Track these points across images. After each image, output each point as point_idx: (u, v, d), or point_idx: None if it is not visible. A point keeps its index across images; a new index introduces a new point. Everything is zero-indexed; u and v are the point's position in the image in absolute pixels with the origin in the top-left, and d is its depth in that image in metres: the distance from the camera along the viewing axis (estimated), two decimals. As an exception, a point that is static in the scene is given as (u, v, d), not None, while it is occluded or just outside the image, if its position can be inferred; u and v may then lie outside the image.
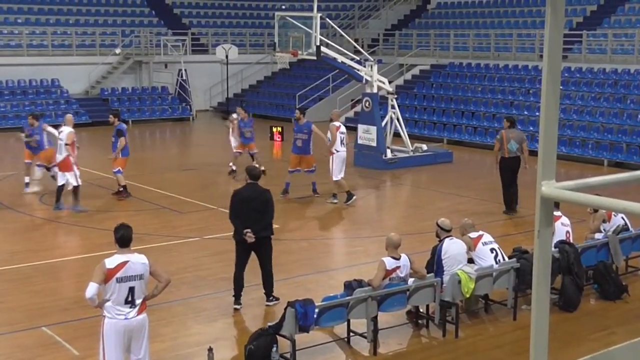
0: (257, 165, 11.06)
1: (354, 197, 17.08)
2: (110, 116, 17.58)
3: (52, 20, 34.63)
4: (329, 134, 17.21)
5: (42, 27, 33.85)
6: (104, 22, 35.81)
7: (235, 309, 10.54)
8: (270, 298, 10.69)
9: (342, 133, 17.29)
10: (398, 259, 9.58)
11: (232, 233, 10.55)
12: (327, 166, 17.30)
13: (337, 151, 17.10)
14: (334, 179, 17.06)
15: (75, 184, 16.10)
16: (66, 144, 15.98)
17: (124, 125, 17.54)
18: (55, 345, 9.43)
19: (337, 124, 17.44)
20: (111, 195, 17.45)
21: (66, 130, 16.19)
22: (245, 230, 10.20)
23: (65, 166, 16.01)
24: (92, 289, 7.22)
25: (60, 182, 16.15)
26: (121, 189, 17.34)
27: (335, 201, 17.08)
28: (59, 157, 16.11)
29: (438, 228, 10.41)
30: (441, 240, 10.24)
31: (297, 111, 17.83)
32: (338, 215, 16.61)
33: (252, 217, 10.26)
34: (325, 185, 17.64)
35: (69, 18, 35.09)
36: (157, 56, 34.67)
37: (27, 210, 16.49)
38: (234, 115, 20.77)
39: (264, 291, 10.72)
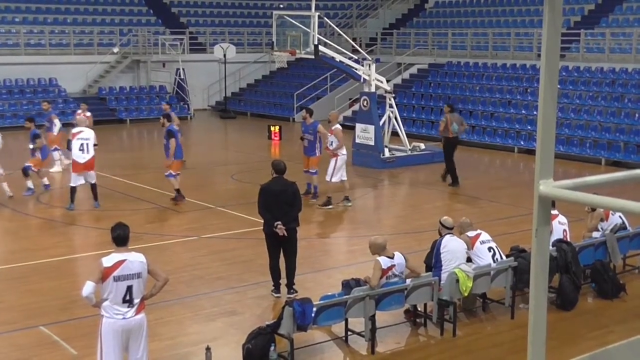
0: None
1: (332, 206, 16.61)
2: (161, 117, 17.11)
3: (50, 19, 34.60)
4: (332, 137, 16.71)
5: (39, 26, 33.82)
6: (101, 21, 35.78)
7: (277, 297, 10.90)
8: (291, 290, 10.93)
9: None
10: (392, 257, 9.62)
11: (262, 226, 10.98)
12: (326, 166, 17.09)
13: (343, 154, 16.77)
14: (334, 180, 16.60)
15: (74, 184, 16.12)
16: (95, 145, 16.13)
17: (174, 126, 17.04)
18: (53, 345, 9.43)
19: (339, 126, 17.11)
20: (170, 201, 16.79)
21: (92, 133, 16.26)
22: (276, 223, 10.57)
23: (91, 166, 16.12)
24: (88, 287, 7.20)
25: (92, 180, 16.25)
26: (176, 193, 16.71)
27: (350, 204, 16.80)
28: (88, 157, 16.00)
29: (440, 226, 10.44)
30: (442, 236, 10.27)
31: (303, 111, 17.37)
32: (336, 214, 16.59)
33: (282, 209, 10.67)
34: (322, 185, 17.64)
35: (66, 17, 35.06)
36: (155, 55, 34.64)
37: (24, 209, 16.46)
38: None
39: (286, 282, 11.01)
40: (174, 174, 16.62)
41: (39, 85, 31.98)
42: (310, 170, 17.10)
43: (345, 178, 16.87)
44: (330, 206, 16.57)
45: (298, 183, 11.62)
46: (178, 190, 16.69)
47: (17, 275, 12.21)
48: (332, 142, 16.78)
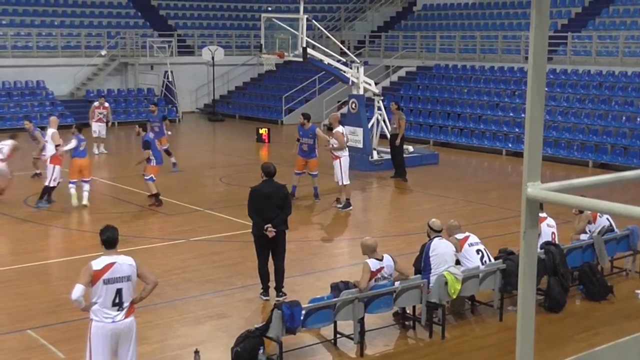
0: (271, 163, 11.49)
1: (351, 207, 16.97)
2: (136, 126, 17.25)
3: (37, 21, 34.45)
4: (332, 139, 17.00)
5: (27, 29, 33.66)
6: (89, 23, 35.66)
7: (266, 300, 10.92)
8: (280, 293, 10.91)
9: (346, 136, 17.41)
10: (381, 259, 9.63)
11: (251, 229, 11.02)
12: (330, 170, 17.21)
13: (344, 155, 17.04)
14: (345, 182, 16.90)
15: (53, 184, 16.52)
16: (57, 146, 16.55)
17: (150, 136, 17.02)
18: (41, 348, 9.39)
19: (340, 129, 17.30)
20: (148, 207, 16.74)
21: (50, 132, 16.89)
22: (266, 226, 10.60)
23: (55, 160, 16.57)
24: (78, 290, 7.17)
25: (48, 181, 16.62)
26: (153, 196, 16.77)
27: (340, 206, 16.99)
28: (47, 155, 16.73)
29: (429, 228, 10.46)
30: (431, 239, 10.29)
31: (301, 117, 17.49)
32: (325, 217, 16.61)
33: (274, 212, 10.72)
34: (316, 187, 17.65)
35: (54, 19, 34.92)
36: (142, 58, 34.55)
37: (9, 212, 16.36)
38: None
39: (274, 285, 11.00)
40: (154, 178, 16.82)
41: (26, 88, 31.84)
42: (312, 173, 17.28)
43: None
44: (350, 207, 16.89)
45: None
46: (156, 195, 16.88)
47: (4, 278, 12.15)
48: (333, 143, 17.06)
